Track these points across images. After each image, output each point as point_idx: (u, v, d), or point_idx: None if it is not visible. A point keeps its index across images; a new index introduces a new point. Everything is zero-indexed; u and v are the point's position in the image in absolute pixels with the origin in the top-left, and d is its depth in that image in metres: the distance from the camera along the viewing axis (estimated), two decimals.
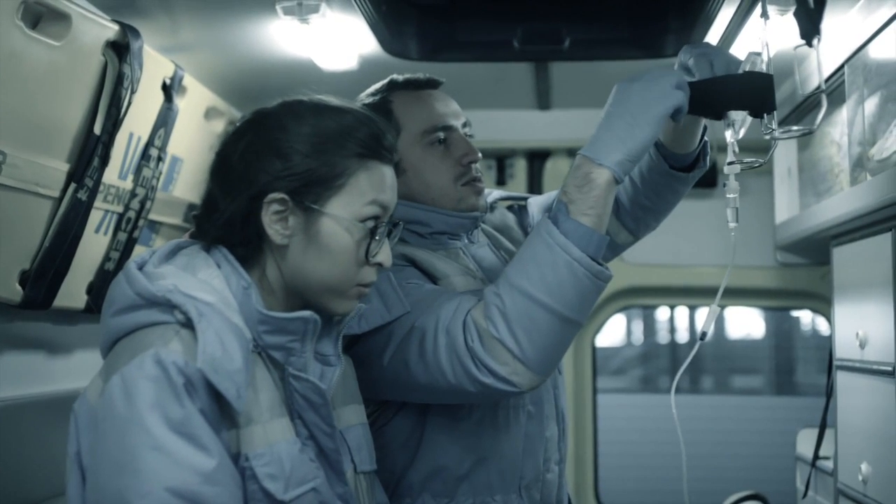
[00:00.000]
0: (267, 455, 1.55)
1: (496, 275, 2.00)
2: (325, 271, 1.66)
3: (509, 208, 2.50)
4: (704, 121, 2.04)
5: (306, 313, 1.63)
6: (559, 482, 2.25)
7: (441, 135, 2.15)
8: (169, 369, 1.46)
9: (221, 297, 1.58)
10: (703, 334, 1.88)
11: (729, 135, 1.86)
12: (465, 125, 2.20)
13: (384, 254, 1.70)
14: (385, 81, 2.22)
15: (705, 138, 2.10)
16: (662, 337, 15.94)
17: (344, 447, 1.75)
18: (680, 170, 2.12)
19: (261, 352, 1.63)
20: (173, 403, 1.45)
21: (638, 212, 2.23)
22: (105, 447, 1.46)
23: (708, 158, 2.13)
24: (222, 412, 1.51)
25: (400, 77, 2.22)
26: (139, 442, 1.43)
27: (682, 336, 15.13)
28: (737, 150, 1.87)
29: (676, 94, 1.76)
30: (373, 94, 2.21)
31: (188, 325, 1.51)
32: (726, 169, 1.86)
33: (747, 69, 1.82)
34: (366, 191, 1.66)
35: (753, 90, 1.81)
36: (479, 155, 2.17)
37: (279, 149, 1.64)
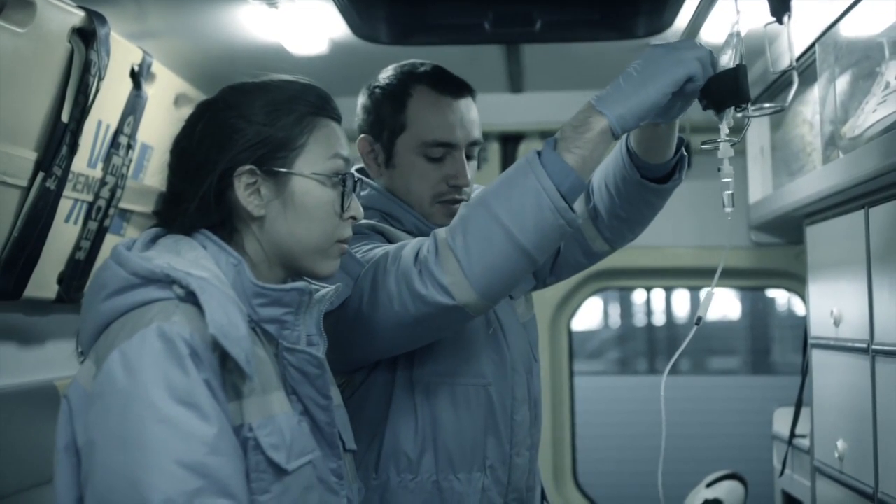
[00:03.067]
0: (269, 425, 1.56)
1: None
2: (306, 231, 1.69)
3: None
4: (678, 133, 2.04)
5: (301, 284, 1.67)
6: (530, 468, 2.26)
7: (439, 151, 2.15)
8: (175, 340, 1.46)
9: (213, 273, 1.59)
10: (699, 319, 1.89)
11: (724, 126, 1.86)
12: (473, 144, 2.19)
13: (356, 206, 1.74)
14: (415, 65, 2.22)
15: (682, 152, 2.09)
16: (639, 320, 15.97)
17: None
18: (655, 181, 2.11)
19: (255, 327, 1.64)
20: (178, 374, 1.45)
21: (614, 222, 2.22)
22: (107, 424, 1.46)
23: (685, 172, 2.13)
24: (225, 383, 1.52)
25: (430, 68, 2.21)
26: (144, 415, 1.43)
27: (659, 319, 15.18)
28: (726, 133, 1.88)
29: (693, 63, 1.77)
30: (396, 76, 2.21)
31: (187, 299, 1.52)
32: (720, 153, 1.86)
33: (730, 52, 1.83)
34: (326, 146, 1.71)
35: (740, 81, 1.82)
36: (468, 181, 2.17)
37: (235, 125, 1.67)
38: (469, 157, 2.19)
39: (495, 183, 1.82)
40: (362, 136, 2.22)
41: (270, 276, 1.71)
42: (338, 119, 1.76)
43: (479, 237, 1.79)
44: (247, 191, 1.66)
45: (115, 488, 1.42)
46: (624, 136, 2.09)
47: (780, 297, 13.76)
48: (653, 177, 2.10)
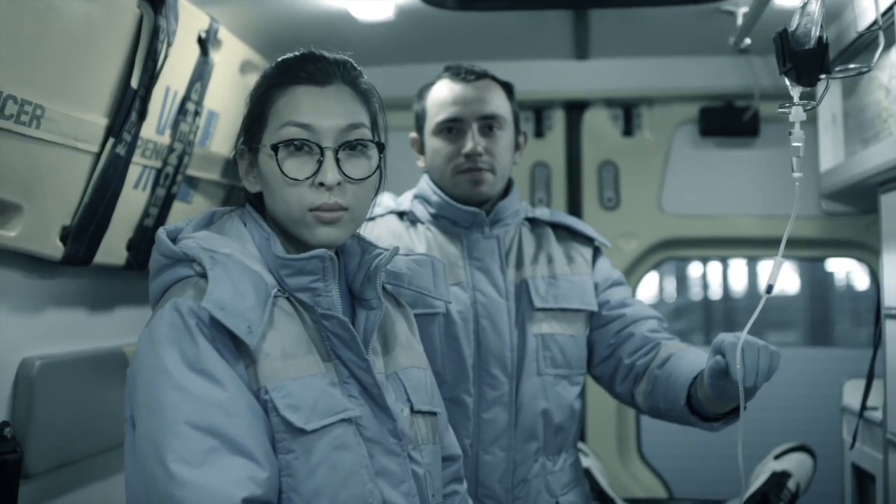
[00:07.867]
0: (286, 387, 1.63)
1: (482, 265, 2.39)
2: (273, 202, 1.75)
3: (572, 234, 2.61)
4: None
5: (320, 251, 1.71)
6: (505, 468, 2.35)
7: (449, 126, 2.42)
8: (183, 312, 1.58)
9: (243, 248, 1.70)
10: (770, 287, 1.89)
11: (796, 91, 1.83)
12: (485, 118, 2.41)
13: (322, 173, 1.71)
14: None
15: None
16: (695, 294, 15.87)
17: (399, 386, 1.82)
18: (706, 418, 2.25)
19: (289, 296, 1.72)
20: (187, 343, 1.57)
21: (651, 407, 2.43)
22: (140, 395, 1.59)
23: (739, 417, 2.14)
24: (239, 349, 1.61)
25: (454, 65, 2.49)
26: (162, 383, 1.55)
27: (716, 293, 15.08)
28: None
29: None
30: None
31: (205, 275, 1.62)
32: (791, 116, 1.83)
33: (810, 22, 1.78)
34: (281, 115, 1.75)
35: (826, 57, 1.79)
36: (479, 150, 2.38)
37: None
38: (489, 129, 2.41)
39: None
40: (412, 133, 2.53)
41: (293, 248, 1.78)
42: (315, 82, 1.76)
43: None
44: (247, 170, 1.79)
45: (145, 453, 1.54)
46: (687, 386, 2.24)
47: (839, 270, 13.61)
48: (706, 415, 2.25)
